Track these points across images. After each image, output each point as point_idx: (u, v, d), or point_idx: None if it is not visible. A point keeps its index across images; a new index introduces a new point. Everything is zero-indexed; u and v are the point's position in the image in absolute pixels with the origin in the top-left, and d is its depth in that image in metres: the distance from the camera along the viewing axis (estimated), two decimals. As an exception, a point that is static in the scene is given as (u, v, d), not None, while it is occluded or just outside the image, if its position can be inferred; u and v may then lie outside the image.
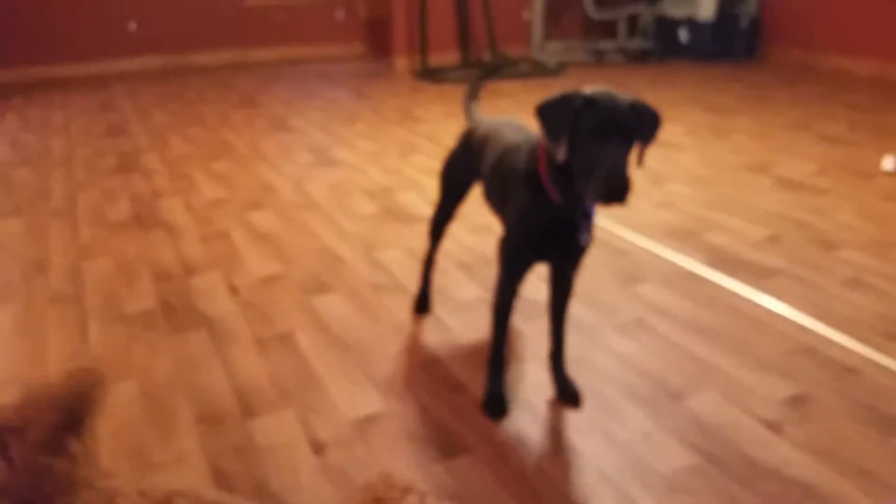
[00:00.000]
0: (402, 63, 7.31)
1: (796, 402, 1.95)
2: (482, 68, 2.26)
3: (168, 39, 7.49)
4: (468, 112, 2.26)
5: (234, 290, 2.62)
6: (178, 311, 2.49)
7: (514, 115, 5.10)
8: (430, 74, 6.76)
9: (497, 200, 1.92)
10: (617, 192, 1.51)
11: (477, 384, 2.06)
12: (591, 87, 1.62)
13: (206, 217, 3.34)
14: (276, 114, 5.46)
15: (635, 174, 3.87)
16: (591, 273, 2.73)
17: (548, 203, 1.72)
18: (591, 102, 1.57)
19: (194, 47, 7.63)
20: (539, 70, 6.94)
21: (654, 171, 3.91)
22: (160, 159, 4.27)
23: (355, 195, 3.63)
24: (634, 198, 3.51)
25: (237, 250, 2.97)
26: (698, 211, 3.33)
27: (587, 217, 1.75)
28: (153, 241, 3.08)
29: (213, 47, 7.70)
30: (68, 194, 3.68)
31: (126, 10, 7.22)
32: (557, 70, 6.88)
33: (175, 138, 4.76)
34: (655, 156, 4.19)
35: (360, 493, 0.89)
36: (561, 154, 1.59)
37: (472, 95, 2.29)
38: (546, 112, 1.62)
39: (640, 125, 1.60)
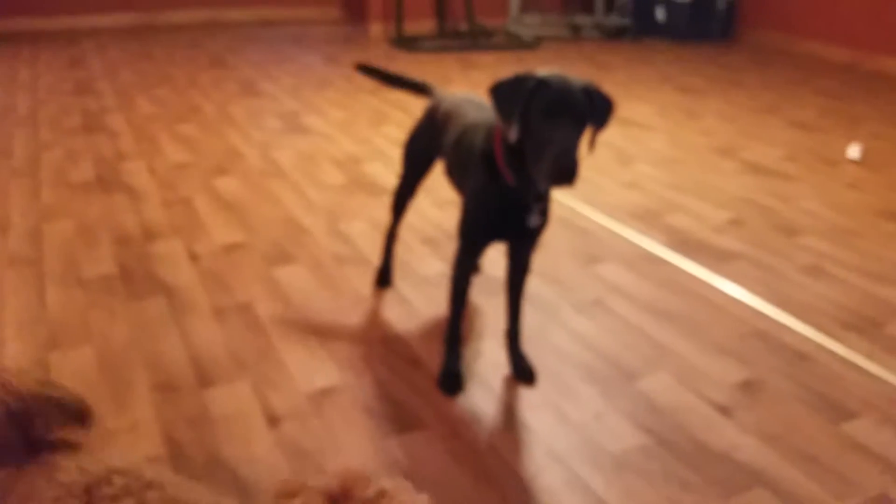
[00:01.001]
0: (377, 30, 7.22)
1: (748, 386, 1.99)
2: (361, 64, 2.26)
3: (139, -4, 7.32)
4: (418, 84, 2.27)
5: (194, 258, 2.60)
6: (136, 278, 2.46)
7: (486, 87, 5.07)
8: (405, 43, 6.68)
9: (457, 178, 1.93)
10: (565, 172, 1.52)
11: (435, 360, 2.07)
12: (545, 69, 1.62)
13: (169, 181, 3.29)
14: (246, 77, 5.37)
15: (603, 154, 3.88)
16: (552, 251, 2.74)
17: (502, 184, 1.72)
18: (543, 84, 1.57)
19: (166, 5, 7.46)
20: (514, 43, 6.90)
21: (622, 151, 3.92)
22: (126, 120, 4.20)
23: (323, 164, 3.60)
24: (600, 177, 3.52)
25: (200, 217, 2.94)
26: (663, 192, 3.35)
27: (541, 199, 1.75)
28: (115, 204, 3.03)
29: (185, 6, 7.54)
30: (31, 153, 3.60)
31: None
32: (533, 44, 6.84)
33: (142, 99, 4.67)
34: (624, 135, 4.20)
35: (332, 479, 0.87)
36: (512, 135, 1.59)
37: (405, 82, 2.31)
38: (499, 93, 1.63)
39: (592, 109, 1.61)
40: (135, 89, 4.90)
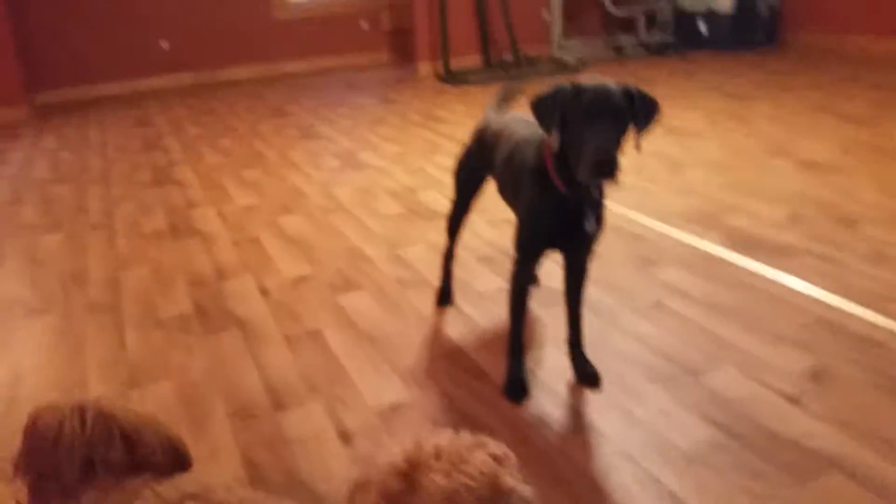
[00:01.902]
0: (425, 68, 7.40)
1: (816, 374, 1.97)
2: (513, 77, 2.34)
3: (199, 56, 7.67)
4: (492, 109, 2.32)
5: (264, 292, 2.71)
6: (211, 314, 2.58)
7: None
8: (453, 78, 6.82)
9: (510, 194, 1.98)
10: (603, 166, 1.56)
11: (498, 371, 2.11)
12: (584, 78, 1.67)
13: (237, 223, 3.44)
14: (304, 122, 5.57)
15: (653, 162, 3.88)
16: (609, 258, 2.76)
17: (555, 194, 1.77)
18: (580, 89, 1.62)
19: (224, 62, 7.80)
20: (560, 68, 6.97)
21: (673, 159, 3.92)
22: (193, 171, 4.40)
23: (380, 196, 3.71)
24: (652, 185, 3.53)
25: (268, 254, 3.06)
26: (718, 195, 3.34)
27: (596, 206, 1.79)
28: (187, 248, 3.18)
29: (243, 61, 7.87)
30: (105, 208, 3.81)
31: (158, 29, 7.42)
32: (578, 67, 6.89)
33: (207, 150, 4.89)
34: (674, 144, 4.20)
35: (396, 456, 0.89)
36: (555, 142, 1.64)
37: (506, 98, 2.35)
38: (538, 105, 1.69)
39: (632, 109, 1.65)
40: (200, 142, 5.13)
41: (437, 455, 0.85)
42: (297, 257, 3.01)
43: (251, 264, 2.97)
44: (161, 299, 2.72)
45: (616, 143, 1.59)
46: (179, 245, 3.23)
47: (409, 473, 0.85)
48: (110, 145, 5.24)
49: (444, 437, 0.88)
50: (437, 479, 0.83)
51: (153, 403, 2.07)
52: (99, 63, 7.31)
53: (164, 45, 7.48)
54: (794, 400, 1.87)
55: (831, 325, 2.20)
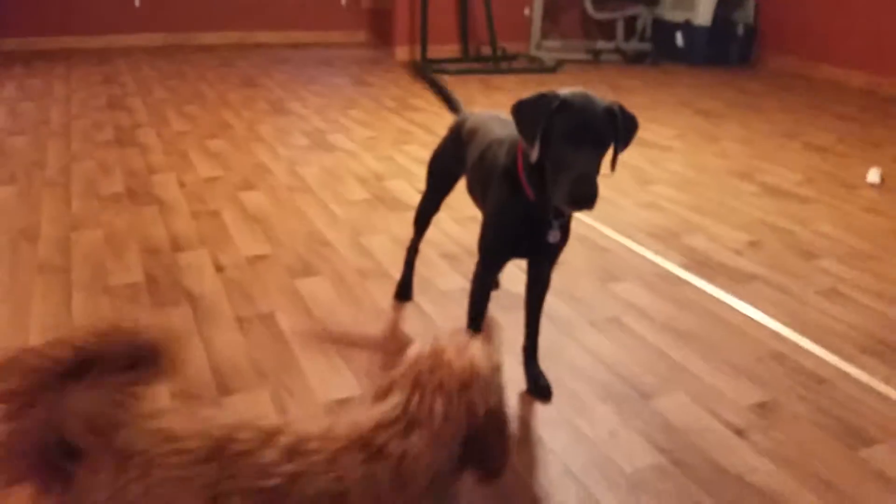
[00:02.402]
0: (402, 53, 7.32)
1: (764, 408, 1.99)
2: (431, 78, 2.32)
3: (172, 17, 7.48)
4: (453, 100, 2.29)
5: (219, 268, 2.65)
6: (162, 286, 2.51)
7: (504, 108, 5.12)
8: (429, 65, 6.77)
9: (479, 193, 1.95)
10: (584, 198, 1.54)
11: (452, 374, 2.09)
12: (568, 89, 1.64)
13: (198, 194, 3.36)
14: (274, 96, 5.47)
15: (622, 175, 3.90)
16: (571, 269, 2.76)
17: (523, 200, 1.74)
18: (565, 104, 1.59)
19: (198, 26, 7.62)
20: (536, 66, 6.96)
21: (642, 172, 3.95)
22: (157, 135, 4.29)
23: (347, 180, 3.66)
24: (620, 197, 3.55)
25: (226, 229, 3.00)
26: (682, 213, 3.37)
27: (561, 216, 1.78)
28: (144, 215, 3.10)
29: (217, 27, 7.70)
30: (63, 165, 3.69)
31: (130, -17, 7.22)
32: (555, 67, 6.89)
33: (173, 115, 4.77)
34: (644, 157, 4.23)
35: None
36: (534, 155, 1.61)
37: (444, 92, 2.33)
38: (521, 112, 1.64)
39: (615, 129, 1.62)
40: (166, 106, 5.01)
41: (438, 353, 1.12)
42: (257, 235, 2.95)
43: (208, 238, 2.90)
44: (112, 265, 2.65)
45: (597, 170, 1.58)
46: (136, 210, 3.14)
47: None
48: (74, 100, 5.08)
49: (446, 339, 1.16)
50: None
51: (95, 376, 2.01)
52: (68, 14, 7.08)
53: (137, 1, 7.27)
54: (740, 432, 1.89)
55: (783, 358, 2.23)
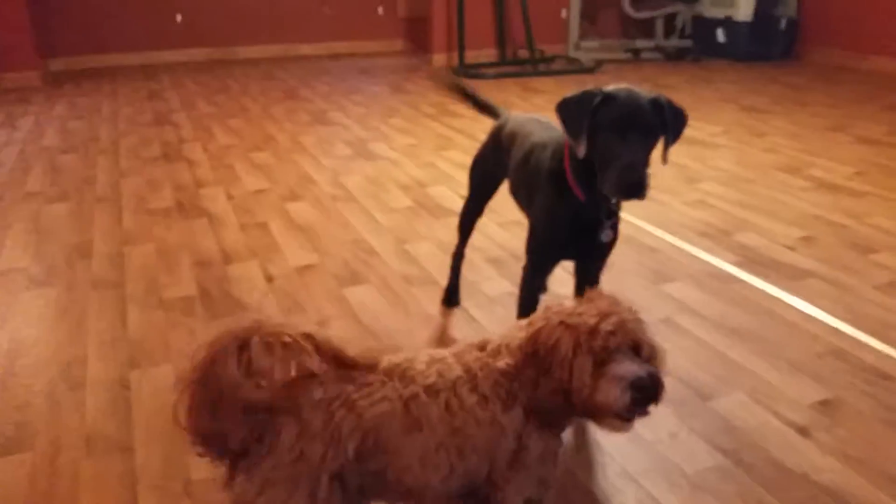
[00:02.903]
0: (440, 59, 7.34)
1: (827, 406, 1.94)
2: (462, 88, 2.34)
3: (214, 32, 7.62)
4: (492, 107, 2.28)
5: (269, 279, 2.68)
6: (215, 298, 2.55)
7: (547, 112, 5.10)
8: (467, 71, 6.77)
9: (524, 197, 1.94)
10: (633, 186, 1.53)
11: (504, 378, 2.08)
12: (613, 85, 1.63)
13: (245, 207, 3.41)
14: (317, 107, 5.52)
15: (669, 173, 3.85)
16: (620, 270, 2.73)
17: (572, 200, 1.73)
18: (609, 98, 1.58)
19: (239, 41, 7.75)
20: (575, 67, 6.92)
21: (689, 170, 3.89)
22: (203, 149, 4.36)
23: (390, 188, 3.67)
24: (667, 196, 3.50)
25: (274, 240, 3.03)
26: (732, 210, 3.31)
27: (612, 214, 1.76)
28: (194, 228, 3.15)
29: (259, 41, 7.82)
30: (113, 181, 3.77)
31: (173, 2, 7.36)
32: (594, 67, 6.84)
33: (218, 129, 4.84)
34: (690, 155, 4.16)
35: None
36: (581, 150, 1.60)
37: (476, 99, 2.32)
38: (566, 109, 1.64)
39: (662, 121, 1.61)
40: (211, 120, 5.09)
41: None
42: (304, 245, 2.98)
43: (257, 249, 2.94)
44: (165, 278, 2.69)
45: (646, 160, 1.56)
46: (186, 224, 3.20)
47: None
48: (121, 117, 5.19)
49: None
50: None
51: (152, 387, 2.04)
52: (113, 33, 7.26)
53: (179, 18, 7.42)
54: (803, 431, 1.84)
55: (844, 354, 2.17)
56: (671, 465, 1.73)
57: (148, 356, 2.20)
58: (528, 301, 1.92)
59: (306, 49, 8.00)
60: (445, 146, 4.41)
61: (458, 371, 1.26)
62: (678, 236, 3.04)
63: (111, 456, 1.78)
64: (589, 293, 1.29)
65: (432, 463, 1.22)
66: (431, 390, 1.23)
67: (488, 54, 7.46)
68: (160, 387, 2.04)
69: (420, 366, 1.27)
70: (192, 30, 7.53)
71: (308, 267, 2.78)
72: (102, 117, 5.17)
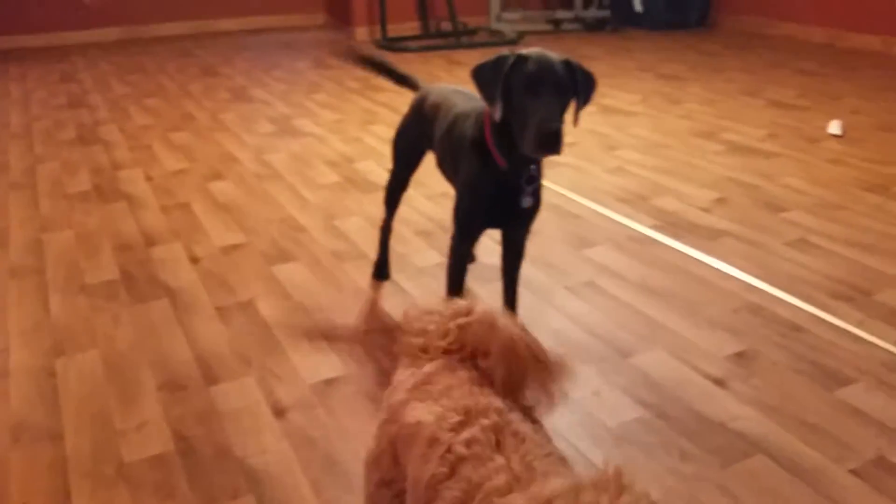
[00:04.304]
0: (362, 33, 7.27)
1: (742, 358, 2.04)
2: (363, 56, 2.32)
3: (127, 10, 7.35)
4: (406, 76, 2.30)
5: (195, 260, 2.65)
6: (139, 282, 2.50)
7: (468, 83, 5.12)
8: (390, 44, 6.73)
9: (449, 168, 1.97)
10: (549, 139, 1.57)
11: (435, 347, 2.11)
12: (525, 49, 1.67)
13: (166, 188, 3.34)
14: (237, 84, 5.42)
15: (589, 142, 3.93)
16: (544, 237, 2.79)
17: (494, 168, 1.77)
18: (522, 60, 1.63)
19: (154, 18, 7.50)
20: (497, 39, 6.95)
21: (608, 139, 3.98)
22: (120, 131, 4.24)
23: (316, 164, 3.65)
24: (588, 164, 3.58)
25: (198, 220, 2.98)
26: (650, 176, 3.41)
27: (532, 181, 1.80)
28: (114, 212, 3.07)
29: (174, 18, 7.58)
30: (27, 166, 3.64)
31: (80, -22, 7.08)
32: (516, 39, 6.89)
33: (135, 109, 4.71)
34: (609, 123, 4.26)
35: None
36: (497, 112, 1.64)
37: (389, 71, 2.33)
38: (480, 74, 1.68)
39: (573, 82, 1.66)
40: (127, 101, 4.94)
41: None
42: (229, 225, 2.94)
43: (181, 231, 2.89)
44: (86, 264, 2.63)
45: (560, 116, 1.60)
46: (105, 208, 3.12)
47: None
48: (33, 100, 4.99)
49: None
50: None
51: (79, 373, 2.01)
52: (17, 13, 6.93)
53: (89, -5, 7.14)
54: (720, 382, 1.94)
55: (758, 309, 2.29)
56: (595, 420, 1.80)
57: (73, 342, 2.16)
58: (456, 271, 1.96)
59: (224, 24, 7.81)
60: (371, 121, 4.40)
61: None
62: (599, 203, 3.12)
63: (40, 444, 1.75)
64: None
65: None
66: None
67: (411, 27, 7.42)
68: (86, 372, 2.01)
69: None
70: (103, 8, 7.25)
71: (234, 246, 2.76)
72: (12, 101, 4.97)
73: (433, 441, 0.98)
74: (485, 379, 1.09)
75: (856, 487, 1.58)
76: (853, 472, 1.62)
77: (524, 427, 0.99)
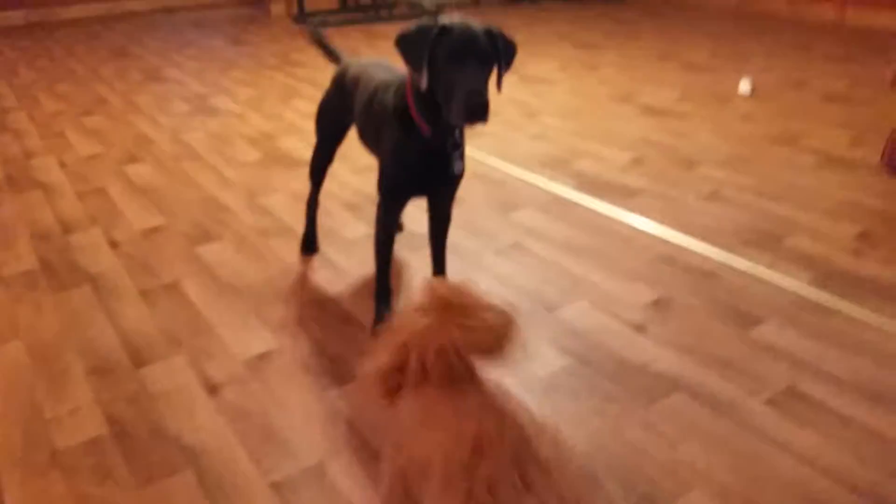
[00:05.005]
0: (278, 9, 7.15)
1: (659, 305, 2.13)
2: (315, 29, 2.31)
3: (25, -8, 7.05)
4: (334, 53, 2.29)
5: (114, 245, 2.59)
6: (59, 270, 2.44)
7: (389, 56, 5.12)
8: (308, 19, 6.64)
9: (371, 139, 1.98)
10: (476, 108, 1.59)
11: (366, 315, 2.14)
12: (447, 18, 1.69)
13: (81, 174, 3.25)
14: (149, 65, 5.27)
15: (511, 109, 3.98)
16: (470, 203, 2.84)
17: (418, 136, 1.78)
18: (446, 30, 1.64)
19: (60, 1, 7.20)
20: (417, 12, 6.93)
21: (529, 106, 4.04)
22: (30, 118, 4.09)
23: (237, 142, 3.60)
24: (511, 131, 3.63)
25: (116, 205, 2.92)
26: (569, 141, 3.49)
27: (457, 147, 1.83)
28: (28, 201, 2.98)
29: (80, 0, 7.30)
30: (-72, 160, 3.49)
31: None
32: (435, 12, 6.89)
33: (44, 96, 4.54)
34: (530, 91, 4.32)
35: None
36: (423, 82, 1.66)
37: (326, 47, 2.32)
38: (405, 42, 1.68)
39: (496, 50, 1.68)
40: (36, 87, 4.76)
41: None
42: (148, 208, 2.89)
43: (98, 216, 2.82)
44: (3, 255, 2.55)
45: (485, 85, 1.63)
46: (19, 197, 3.02)
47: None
48: (-71, 90, 4.76)
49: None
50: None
51: (3, 365, 1.96)
52: None
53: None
54: (640, 328, 2.02)
55: (673, 259, 2.38)
56: (525, 371, 1.86)
57: (-8, 334, 2.10)
58: (384, 240, 1.98)
59: (134, 5, 7.56)
60: (291, 96, 4.35)
61: None
62: (523, 167, 3.18)
63: (-37, 437, 1.71)
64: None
65: None
66: None
67: (329, 1, 7.33)
68: (10, 363, 1.96)
69: None
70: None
71: (155, 229, 2.71)
72: None
73: (448, 481, 0.87)
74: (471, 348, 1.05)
75: (770, 415, 1.68)
76: (768, 401, 1.73)
77: (546, 448, 0.89)
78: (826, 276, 2.26)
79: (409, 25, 1.69)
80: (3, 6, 6.96)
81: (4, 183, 3.17)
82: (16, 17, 7.04)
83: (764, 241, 2.47)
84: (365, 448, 1.63)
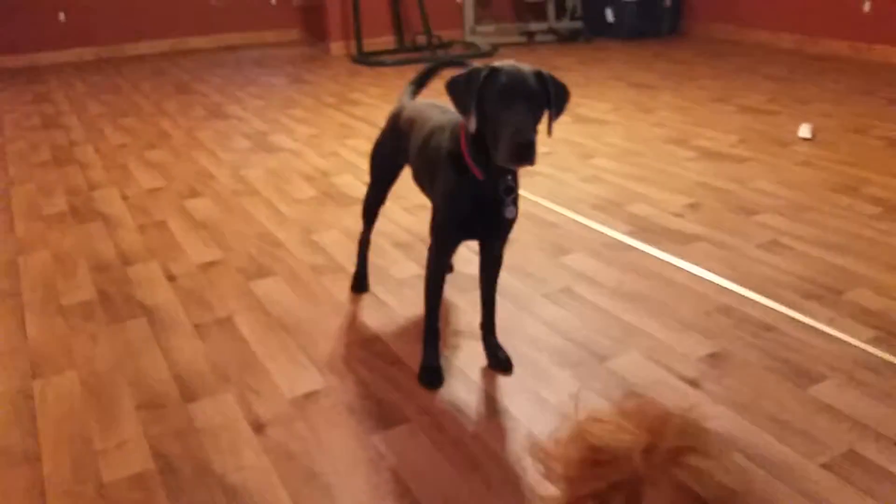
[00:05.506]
0: (337, 48, 7.31)
1: (715, 358, 2.07)
2: (438, 58, 2.35)
3: (100, 30, 7.35)
4: (404, 94, 2.32)
5: (171, 278, 2.64)
6: (116, 301, 2.50)
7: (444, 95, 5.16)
8: (366, 58, 6.77)
9: (425, 181, 1.99)
10: (522, 149, 1.59)
11: (414, 358, 2.13)
12: (498, 62, 1.70)
13: (142, 207, 3.33)
14: (212, 101, 5.42)
15: (564, 151, 3.97)
16: (521, 245, 2.82)
17: (471, 180, 1.79)
18: (495, 72, 1.65)
19: (128, 37, 7.50)
20: (472, 52, 7.01)
21: (583, 147, 4.02)
22: (95, 150, 4.23)
23: (293, 179, 3.66)
24: (564, 173, 3.62)
25: (174, 238, 2.98)
26: (623, 183, 3.45)
27: (510, 191, 1.83)
28: (90, 232, 3.07)
29: (148, 37, 7.58)
30: (2, 189, 3.62)
31: (56, 1, 7.06)
32: (490, 52, 6.95)
33: (109, 129, 4.70)
34: (583, 133, 4.31)
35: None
36: (472, 124, 1.67)
37: (419, 81, 2.35)
38: (455, 86, 1.70)
39: (546, 92, 1.68)
40: (102, 121, 4.93)
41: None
42: (206, 242, 2.94)
43: (157, 249, 2.89)
44: (63, 285, 2.62)
45: (533, 127, 1.63)
46: (81, 228, 3.11)
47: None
48: (6, 122, 4.97)
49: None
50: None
51: (57, 395, 2.00)
52: (-11, 33, 6.91)
53: (61, 16, 7.12)
54: (694, 383, 1.96)
55: (729, 310, 2.32)
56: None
57: (50, 364, 2.15)
58: (435, 282, 1.98)
59: (197, 42, 7.82)
60: (348, 135, 4.42)
61: None
62: (575, 210, 3.15)
63: (17, 469, 1.74)
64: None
65: None
66: None
67: (386, 41, 7.47)
68: (64, 393, 2.00)
69: None
70: (76, 29, 7.24)
71: (211, 263, 2.76)
72: (-16, 123, 4.94)
73: None
74: None
75: (827, 481, 1.61)
76: (824, 466, 1.65)
77: None
78: (889, 333, 2.17)
79: (461, 70, 1.71)
80: (75, 43, 7.27)
81: (68, 213, 3.27)
82: (88, 53, 7.34)
83: (824, 293, 2.40)
84: (407, 496, 1.61)
